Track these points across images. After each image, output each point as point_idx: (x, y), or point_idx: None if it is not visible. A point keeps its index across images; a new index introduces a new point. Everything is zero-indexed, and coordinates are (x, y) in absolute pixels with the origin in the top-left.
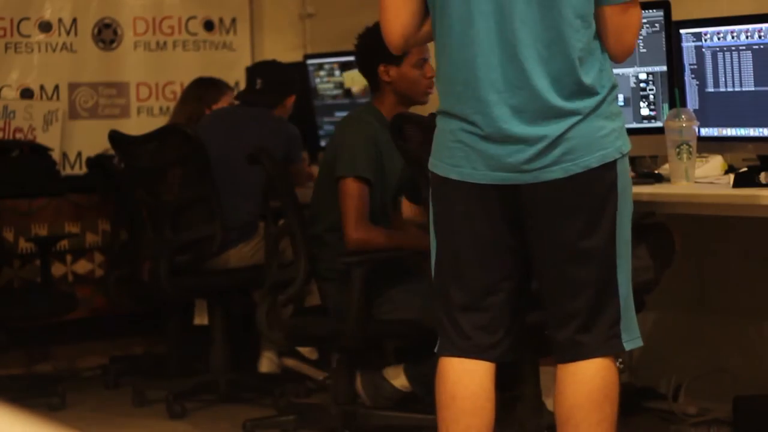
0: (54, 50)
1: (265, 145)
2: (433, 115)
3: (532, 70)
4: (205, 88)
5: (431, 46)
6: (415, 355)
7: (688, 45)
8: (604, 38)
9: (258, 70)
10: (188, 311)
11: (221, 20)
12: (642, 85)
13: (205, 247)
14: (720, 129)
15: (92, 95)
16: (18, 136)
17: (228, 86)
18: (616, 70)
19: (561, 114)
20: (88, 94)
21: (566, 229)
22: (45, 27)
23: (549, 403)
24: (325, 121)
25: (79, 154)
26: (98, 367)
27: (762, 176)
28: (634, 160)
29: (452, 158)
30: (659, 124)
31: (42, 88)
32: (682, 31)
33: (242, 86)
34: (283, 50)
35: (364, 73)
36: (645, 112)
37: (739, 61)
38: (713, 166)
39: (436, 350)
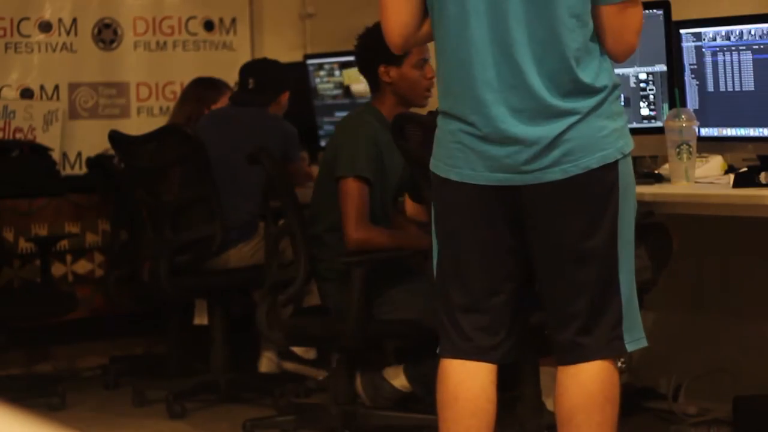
0: (54, 50)
1: (263, 145)
2: (432, 114)
3: (527, 70)
4: (204, 89)
5: (432, 46)
6: (415, 356)
7: (688, 45)
8: (602, 38)
9: (250, 70)
10: (188, 311)
11: (221, 20)
12: (642, 85)
13: (205, 247)
14: (720, 129)
15: (92, 95)
16: (18, 136)
17: (227, 86)
18: (616, 70)
19: (558, 114)
20: (88, 94)
21: (566, 230)
22: (45, 27)
23: (549, 403)
24: (325, 121)
25: (79, 154)
26: (98, 367)
27: (762, 176)
28: (634, 160)
29: (452, 159)
30: (659, 124)
31: (42, 88)
32: (682, 31)
33: None
34: (283, 50)
35: (364, 73)
36: (645, 112)
37: (739, 61)
38: (713, 166)
39: (437, 351)
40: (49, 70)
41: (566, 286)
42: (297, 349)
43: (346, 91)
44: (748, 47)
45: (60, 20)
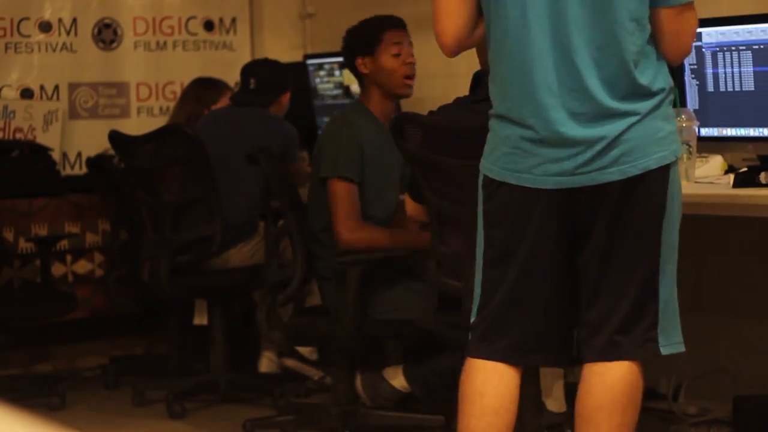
0: (54, 50)
1: (263, 145)
2: (433, 114)
3: (586, 73)
4: (204, 89)
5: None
6: (415, 356)
7: None
8: (659, 40)
9: (251, 70)
10: (188, 311)
11: (221, 20)
12: None
13: (205, 247)
14: (720, 129)
15: (92, 95)
16: (18, 136)
17: (227, 86)
18: None
19: (618, 114)
20: (88, 94)
21: (620, 230)
22: (45, 27)
23: (549, 403)
24: (325, 121)
25: (79, 154)
26: (98, 367)
27: (762, 176)
28: None
29: (509, 163)
30: None
31: (42, 88)
32: None
33: None
34: (283, 50)
35: (351, 70)
36: None
37: (739, 61)
38: (713, 166)
39: (466, 351)
40: (49, 70)
41: (612, 285)
42: (302, 349)
43: (346, 91)
44: (748, 47)
45: (60, 20)
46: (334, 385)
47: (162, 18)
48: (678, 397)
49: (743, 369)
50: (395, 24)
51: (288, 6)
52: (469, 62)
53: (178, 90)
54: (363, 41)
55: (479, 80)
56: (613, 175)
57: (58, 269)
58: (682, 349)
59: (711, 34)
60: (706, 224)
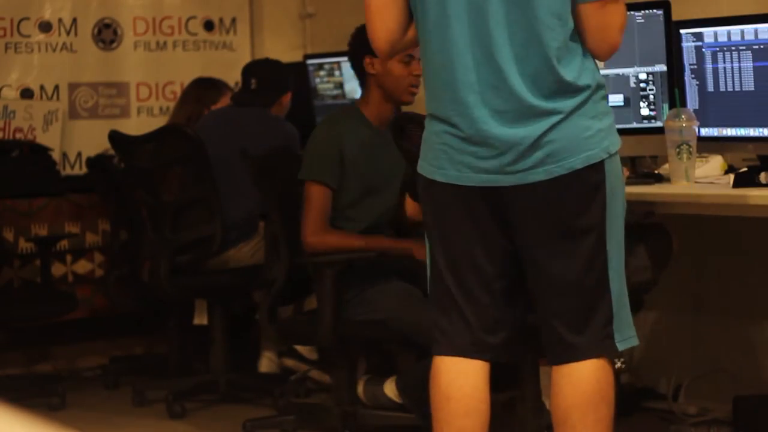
0: (54, 50)
1: (264, 146)
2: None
3: (508, 70)
4: (204, 89)
5: None
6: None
7: (688, 45)
8: (584, 36)
9: (252, 70)
10: (188, 311)
11: (221, 20)
12: (642, 85)
13: (205, 247)
14: (720, 129)
15: (92, 95)
16: (18, 136)
17: (227, 86)
18: (616, 70)
19: (541, 114)
20: (88, 94)
21: (551, 230)
22: (45, 27)
23: (549, 403)
24: None
25: (79, 154)
26: (98, 367)
27: (762, 176)
28: (634, 160)
29: (437, 160)
30: (659, 124)
31: (42, 88)
32: (682, 31)
33: None
34: (283, 50)
35: (354, 68)
36: (645, 112)
37: (739, 61)
38: (713, 166)
39: (431, 351)
40: (49, 70)
41: (553, 285)
42: (302, 350)
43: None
44: (748, 47)
45: (60, 20)
46: (335, 385)
47: (162, 18)
48: (678, 397)
49: (743, 369)
50: None
51: (288, 6)
52: None
53: (178, 90)
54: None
55: None
56: (539, 175)
57: (58, 269)
58: (635, 343)
59: (711, 34)
60: (706, 224)
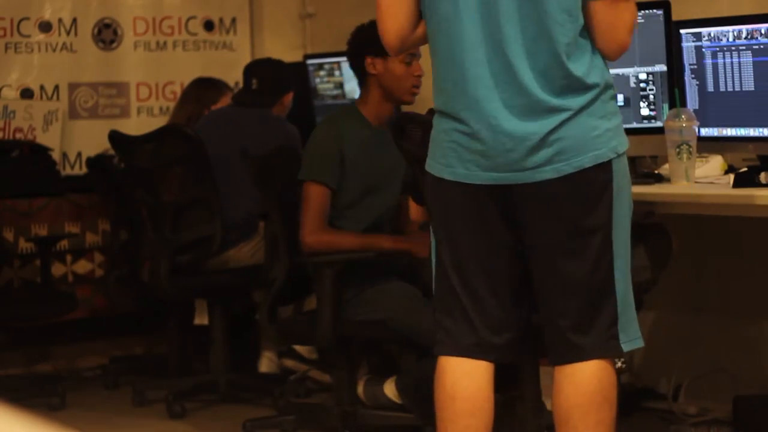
0: (54, 50)
1: (264, 146)
2: (432, 112)
3: (519, 65)
4: (204, 89)
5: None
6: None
7: (688, 45)
8: (593, 34)
9: (253, 70)
10: (188, 311)
11: (221, 20)
12: (642, 85)
13: (205, 247)
14: (720, 129)
15: (92, 95)
16: (18, 136)
17: (228, 86)
18: (616, 70)
19: (550, 110)
20: (88, 94)
21: (559, 229)
22: (45, 27)
23: (549, 403)
24: None
25: (79, 154)
26: (98, 367)
27: (762, 176)
28: (634, 160)
29: (445, 158)
30: (659, 124)
31: (42, 88)
32: (682, 31)
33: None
34: (283, 50)
35: (353, 67)
36: (645, 112)
37: (739, 61)
38: (713, 166)
39: (434, 351)
40: (49, 70)
41: (559, 285)
42: (302, 350)
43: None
44: (748, 47)
45: (60, 20)
46: (335, 385)
47: (162, 18)
48: (678, 397)
49: (743, 369)
50: None
51: (288, 6)
52: None
53: (178, 90)
54: (379, 42)
55: None
56: (548, 173)
57: (58, 269)
58: (640, 344)
59: (711, 34)
60: (706, 224)
